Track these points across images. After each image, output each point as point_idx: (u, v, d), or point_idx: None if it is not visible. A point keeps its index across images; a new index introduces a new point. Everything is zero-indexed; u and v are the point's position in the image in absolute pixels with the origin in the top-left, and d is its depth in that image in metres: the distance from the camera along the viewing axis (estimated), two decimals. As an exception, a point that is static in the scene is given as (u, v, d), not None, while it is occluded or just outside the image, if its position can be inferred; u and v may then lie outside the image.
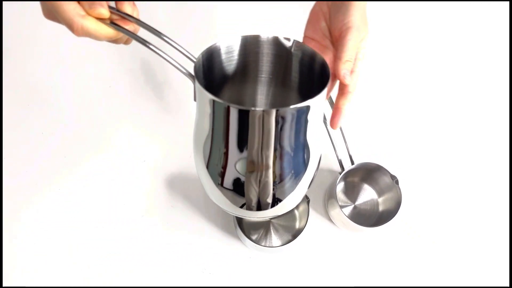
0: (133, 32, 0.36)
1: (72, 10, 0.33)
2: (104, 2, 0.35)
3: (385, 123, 0.71)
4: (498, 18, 0.78)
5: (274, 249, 0.57)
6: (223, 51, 0.39)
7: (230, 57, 0.40)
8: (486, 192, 0.65)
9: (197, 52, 0.37)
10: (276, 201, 0.40)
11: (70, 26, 0.34)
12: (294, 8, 0.78)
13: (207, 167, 0.39)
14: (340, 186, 0.63)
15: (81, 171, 0.64)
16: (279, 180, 0.38)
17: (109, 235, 0.59)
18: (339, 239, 0.60)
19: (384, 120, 0.71)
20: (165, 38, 0.35)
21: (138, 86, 0.73)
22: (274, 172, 0.37)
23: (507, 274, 0.58)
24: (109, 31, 0.36)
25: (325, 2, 0.43)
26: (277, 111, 0.32)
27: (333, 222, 0.61)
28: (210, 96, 0.33)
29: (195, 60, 0.36)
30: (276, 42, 0.40)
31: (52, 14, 0.35)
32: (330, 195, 0.59)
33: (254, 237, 0.59)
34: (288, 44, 0.40)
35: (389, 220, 0.55)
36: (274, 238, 0.59)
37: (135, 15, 0.37)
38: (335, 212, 0.59)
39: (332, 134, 0.56)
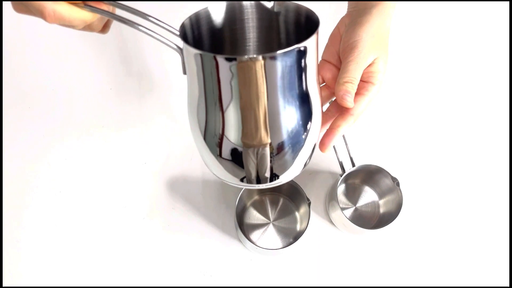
0: (111, 12, 0.34)
1: None
2: None
3: (386, 125, 0.71)
4: (498, 18, 0.78)
5: (275, 251, 0.57)
6: (209, 18, 0.38)
7: (216, 25, 0.39)
8: (486, 194, 0.64)
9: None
10: (284, 155, 0.36)
11: (41, 13, 0.31)
12: None
13: (205, 133, 0.37)
14: (341, 188, 0.63)
15: (82, 173, 0.65)
16: (285, 132, 0.35)
17: (110, 237, 0.59)
18: (340, 241, 0.60)
19: (385, 122, 0.71)
20: (149, 18, 0.33)
21: (139, 89, 0.73)
22: (278, 123, 0.34)
23: (507, 274, 0.58)
24: (85, 14, 0.33)
25: (344, 22, 0.42)
26: (264, 58, 0.29)
27: (334, 224, 0.61)
28: (195, 51, 0.31)
29: (177, 33, 0.34)
30: (259, 6, 0.39)
31: (23, 5, 0.32)
32: (331, 197, 0.59)
33: (255, 239, 0.59)
34: (269, 5, 0.38)
35: (390, 222, 0.55)
36: (275, 240, 0.59)
37: None
38: (336, 214, 0.59)
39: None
